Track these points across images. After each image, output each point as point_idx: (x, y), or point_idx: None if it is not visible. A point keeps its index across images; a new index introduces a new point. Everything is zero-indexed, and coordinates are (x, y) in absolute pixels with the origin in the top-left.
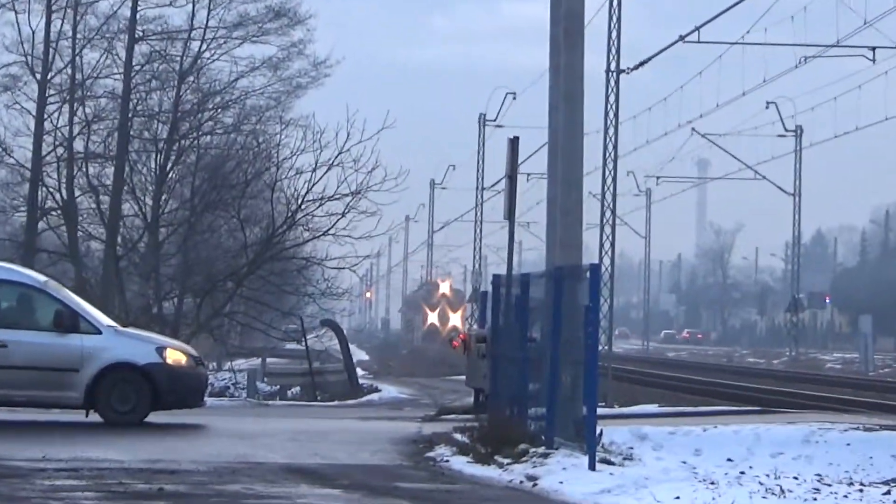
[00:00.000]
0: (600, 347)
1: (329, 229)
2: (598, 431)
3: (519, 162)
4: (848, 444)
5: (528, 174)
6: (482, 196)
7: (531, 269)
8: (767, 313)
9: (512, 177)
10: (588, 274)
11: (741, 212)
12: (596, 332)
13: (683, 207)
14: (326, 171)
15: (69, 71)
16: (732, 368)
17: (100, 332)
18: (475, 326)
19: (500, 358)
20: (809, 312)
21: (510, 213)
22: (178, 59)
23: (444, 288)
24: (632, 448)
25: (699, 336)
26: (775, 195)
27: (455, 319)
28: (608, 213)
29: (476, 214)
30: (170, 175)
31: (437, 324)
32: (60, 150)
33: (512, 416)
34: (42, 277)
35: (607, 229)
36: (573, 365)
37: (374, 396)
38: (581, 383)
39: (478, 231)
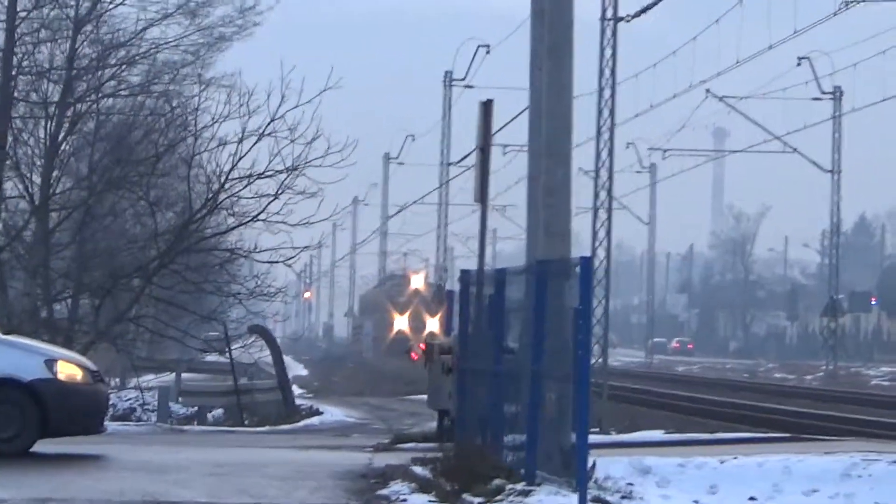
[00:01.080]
0: (593, 360)
1: (259, 214)
2: (590, 463)
3: (493, 131)
4: None
5: (505, 146)
6: (448, 173)
7: (508, 264)
8: (799, 318)
9: (484, 149)
10: (578, 269)
11: (767, 193)
12: (588, 340)
13: (696, 187)
14: (256, 143)
15: None
16: (756, 386)
17: None
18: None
19: (469, 373)
20: (851, 316)
21: (482, 194)
22: (73, 3)
23: (418, 282)
24: (632, 484)
25: (690, 346)
26: (809, 172)
27: (433, 325)
28: (603, 195)
29: (440, 196)
30: (63, 147)
31: (408, 331)
32: None
33: (484, 444)
34: None
35: (602, 214)
36: (559, 381)
37: (315, 420)
38: (569, 404)
39: (442, 216)
